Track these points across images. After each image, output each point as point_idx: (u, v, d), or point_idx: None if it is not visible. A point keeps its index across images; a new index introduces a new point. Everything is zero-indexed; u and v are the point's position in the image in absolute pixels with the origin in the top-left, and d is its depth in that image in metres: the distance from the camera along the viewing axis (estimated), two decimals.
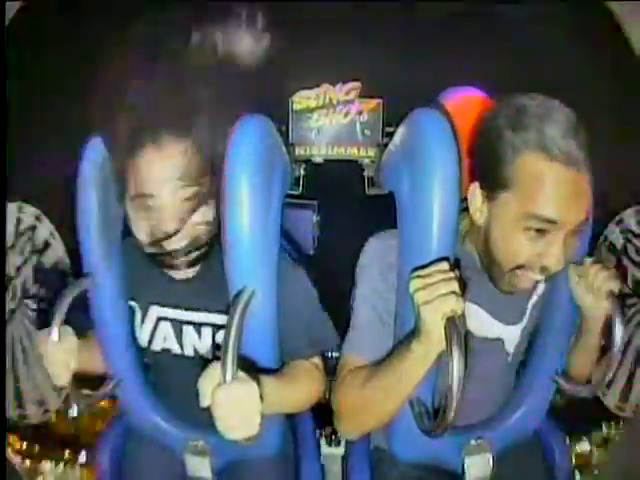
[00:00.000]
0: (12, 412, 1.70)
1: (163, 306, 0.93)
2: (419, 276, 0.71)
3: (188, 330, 0.92)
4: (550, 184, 0.73)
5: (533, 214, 0.74)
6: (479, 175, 0.81)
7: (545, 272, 0.78)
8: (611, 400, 1.55)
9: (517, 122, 0.75)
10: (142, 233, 0.82)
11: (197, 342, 0.93)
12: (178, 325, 0.93)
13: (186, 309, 0.92)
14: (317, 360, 0.92)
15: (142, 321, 0.94)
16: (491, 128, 0.78)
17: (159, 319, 0.93)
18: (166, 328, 0.93)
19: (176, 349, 0.94)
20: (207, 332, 0.91)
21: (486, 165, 0.79)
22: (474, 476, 0.92)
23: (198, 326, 0.92)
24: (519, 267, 0.78)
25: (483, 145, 0.80)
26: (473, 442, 0.92)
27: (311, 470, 1.08)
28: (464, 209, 0.83)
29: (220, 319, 0.89)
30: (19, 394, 1.73)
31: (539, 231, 0.75)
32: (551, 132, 0.72)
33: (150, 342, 0.95)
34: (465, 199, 0.82)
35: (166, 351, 0.94)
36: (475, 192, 0.81)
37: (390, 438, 0.91)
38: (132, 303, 0.94)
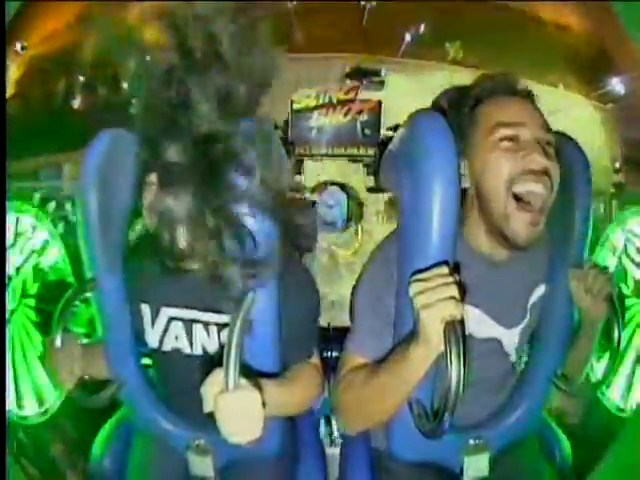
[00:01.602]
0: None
1: (175, 306, 0.92)
2: (419, 280, 0.71)
3: (198, 328, 0.92)
4: (505, 105, 0.84)
5: (498, 122, 0.81)
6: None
7: (533, 175, 0.79)
8: (611, 401, 1.56)
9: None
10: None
11: (206, 341, 0.92)
12: (189, 324, 0.92)
13: (196, 309, 0.91)
14: (316, 361, 0.93)
15: (153, 322, 0.93)
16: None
17: (170, 319, 0.93)
18: (177, 327, 0.93)
19: (186, 348, 0.93)
20: (214, 331, 0.91)
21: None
22: (473, 476, 0.93)
23: (206, 325, 0.91)
24: (511, 194, 0.80)
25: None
26: (472, 442, 0.92)
27: (312, 469, 1.08)
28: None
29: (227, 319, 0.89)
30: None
31: (512, 140, 0.80)
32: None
33: (161, 342, 0.94)
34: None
35: (176, 351, 0.94)
36: (462, 165, 0.83)
37: (389, 438, 0.91)
38: (143, 305, 0.93)
